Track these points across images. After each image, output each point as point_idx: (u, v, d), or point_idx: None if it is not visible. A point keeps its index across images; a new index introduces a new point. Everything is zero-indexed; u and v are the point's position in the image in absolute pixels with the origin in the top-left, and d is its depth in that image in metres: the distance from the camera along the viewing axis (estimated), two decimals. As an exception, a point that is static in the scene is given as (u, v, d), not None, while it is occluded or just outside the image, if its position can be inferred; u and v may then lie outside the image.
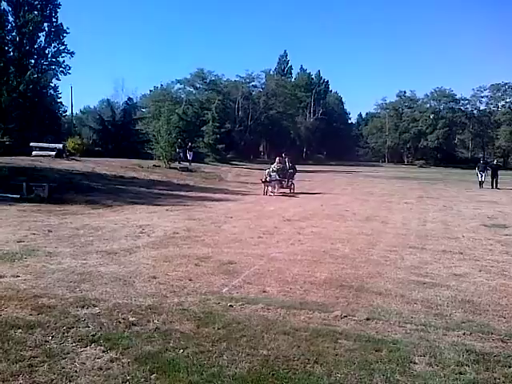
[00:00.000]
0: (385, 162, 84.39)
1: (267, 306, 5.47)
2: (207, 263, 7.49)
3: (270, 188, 20.72)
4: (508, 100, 79.19)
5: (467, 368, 4.05)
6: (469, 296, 6.17)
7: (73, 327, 4.65)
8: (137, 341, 4.36)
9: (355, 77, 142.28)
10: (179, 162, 32.64)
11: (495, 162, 34.72)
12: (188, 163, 33.10)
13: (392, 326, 5.02)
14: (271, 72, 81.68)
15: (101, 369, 3.85)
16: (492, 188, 27.84)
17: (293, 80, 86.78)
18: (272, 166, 22.09)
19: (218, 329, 4.72)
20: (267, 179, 20.81)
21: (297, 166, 24.38)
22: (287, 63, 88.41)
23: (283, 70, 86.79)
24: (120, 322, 4.81)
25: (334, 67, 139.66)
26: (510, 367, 4.08)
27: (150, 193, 19.11)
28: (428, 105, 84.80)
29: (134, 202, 15.75)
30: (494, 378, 3.87)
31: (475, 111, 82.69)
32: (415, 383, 3.76)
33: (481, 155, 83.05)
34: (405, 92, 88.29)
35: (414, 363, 4.13)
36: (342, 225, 12.18)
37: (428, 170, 62.17)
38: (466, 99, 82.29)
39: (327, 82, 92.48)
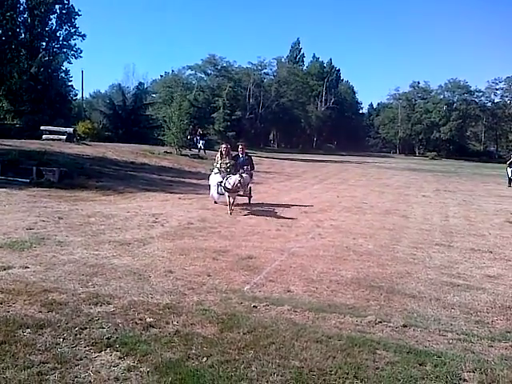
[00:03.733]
0: (396, 153, 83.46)
1: (294, 308, 5.07)
2: (225, 257, 7.10)
3: (230, 199, 11.40)
4: (523, 93, 77.83)
5: (527, 388, 3.63)
6: (508, 301, 5.73)
7: (86, 328, 4.28)
8: (156, 346, 3.97)
9: (367, 66, 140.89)
10: (190, 149, 32.21)
11: None
12: (199, 150, 32.66)
13: (432, 335, 4.59)
14: (283, 60, 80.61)
15: (117, 379, 3.47)
16: None
17: (305, 68, 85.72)
18: (218, 160, 12.52)
19: (244, 334, 4.32)
20: (223, 188, 11.52)
21: (307, 155, 22.88)
22: (299, 51, 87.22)
23: (295, 58, 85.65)
24: (137, 323, 4.43)
25: (346, 56, 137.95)
26: None
27: (162, 180, 18.72)
28: (442, 96, 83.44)
29: (145, 189, 15.38)
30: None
31: (489, 103, 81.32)
32: (469, 406, 3.35)
33: (492, 148, 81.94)
34: (418, 82, 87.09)
35: (464, 380, 3.72)
36: (362, 218, 11.73)
37: (440, 163, 61.21)
38: (480, 91, 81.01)
39: (339, 70, 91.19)
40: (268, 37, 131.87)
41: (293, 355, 3.96)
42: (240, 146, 13.08)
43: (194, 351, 3.94)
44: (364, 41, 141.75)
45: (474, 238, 9.82)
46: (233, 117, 58.97)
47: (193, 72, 71.09)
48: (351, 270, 6.75)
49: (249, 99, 70.26)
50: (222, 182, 11.60)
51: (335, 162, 44.55)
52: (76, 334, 4.14)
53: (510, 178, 24.14)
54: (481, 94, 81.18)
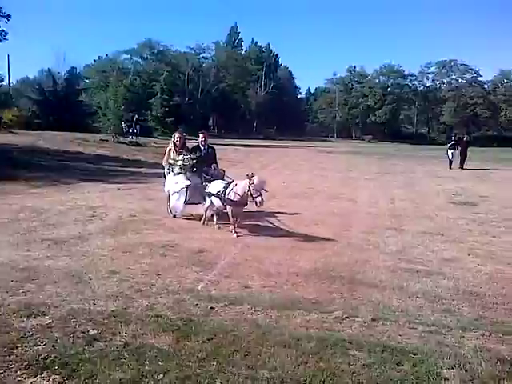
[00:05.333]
0: (334, 136, 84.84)
1: (254, 307, 4.65)
2: (174, 252, 6.56)
3: (208, 212, 8.59)
4: (453, 77, 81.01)
5: (506, 383, 3.42)
6: (470, 286, 5.62)
7: (16, 347, 3.64)
8: (103, 364, 3.42)
9: (305, 51, 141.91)
10: (127, 137, 30.90)
11: (465, 138, 27.21)
12: (136, 137, 31.42)
13: (402, 329, 4.34)
14: (221, 44, 79.39)
15: (58, 412, 2.90)
16: (462, 168, 23.72)
17: (243, 53, 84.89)
18: (173, 155, 9.13)
19: (203, 342, 3.85)
20: (223, 200, 7.99)
21: (248, 140, 22.36)
22: (238, 35, 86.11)
23: (234, 42, 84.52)
24: (78, 338, 3.84)
25: (283, 41, 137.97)
26: (554, 381, 3.49)
27: (99, 169, 17.65)
28: (377, 80, 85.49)
29: (81, 180, 14.37)
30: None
31: (422, 87, 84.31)
32: (457, 410, 3.08)
33: (424, 131, 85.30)
34: (355, 67, 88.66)
35: (445, 379, 3.46)
36: (310, 204, 11.51)
37: (377, 145, 62.88)
38: (413, 75, 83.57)
39: (277, 55, 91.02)
40: (205, 21, 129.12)
41: (261, 364, 3.54)
42: (201, 135, 9.61)
43: (147, 367, 3.43)
44: (301, 25, 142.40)
45: (423, 220, 9.83)
46: (171, 102, 57.43)
47: (128, 56, 68.59)
48: (309, 261, 6.43)
49: (187, 84, 68.68)
50: (220, 191, 7.94)
51: (276, 146, 44.42)
52: (5, 356, 3.51)
53: (450, 161, 24.51)
54: (414, 78, 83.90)
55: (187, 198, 8.68)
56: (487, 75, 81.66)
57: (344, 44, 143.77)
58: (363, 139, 77.93)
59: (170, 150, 9.16)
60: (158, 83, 56.98)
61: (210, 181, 8.70)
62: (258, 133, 74.66)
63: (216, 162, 9.38)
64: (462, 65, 79.12)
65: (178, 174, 8.84)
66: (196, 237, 7.52)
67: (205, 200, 8.57)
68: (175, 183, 8.79)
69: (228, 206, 7.82)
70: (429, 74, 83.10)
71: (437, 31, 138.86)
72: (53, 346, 3.67)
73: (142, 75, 62.33)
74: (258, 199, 7.33)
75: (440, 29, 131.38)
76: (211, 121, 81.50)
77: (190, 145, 9.72)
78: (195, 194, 8.79)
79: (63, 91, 43.40)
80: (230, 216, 7.81)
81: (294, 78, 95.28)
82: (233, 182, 8.02)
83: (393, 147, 53.59)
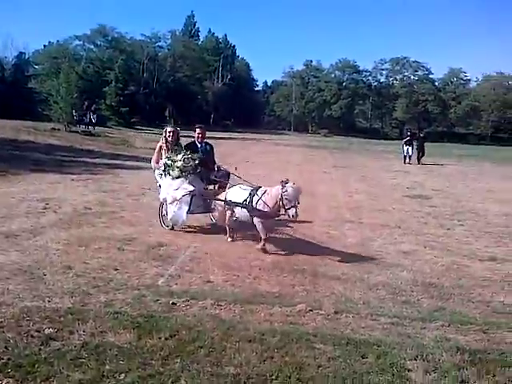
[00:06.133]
0: (290, 130, 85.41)
1: (217, 302, 4.58)
2: (132, 246, 6.38)
3: (262, 232, 6.55)
4: (406, 74, 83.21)
5: (466, 371, 3.51)
6: (428, 278, 5.77)
7: (-36, 349, 3.41)
8: (60, 365, 3.25)
9: (262, 44, 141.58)
10: (80, 126, 29.90)
11: (422, 133, 28.31)
12: (92, 127, 30.47)
13: (365, 321, 4.39)
14: (178, 33, 78.05)
15: (12, 418, 2.73)
16: (419, 164, 24.05)
17: (200, 43, 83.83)
18: (167, 154, 7.56)
19: (166, 339, 3.74)
20: (250, 209, 6.64)
21: (207, 132, 21.87)
22: (194, 25, 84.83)
23: (190, 32, 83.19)
24: (33, 337, 3.64)
25: (241, 33, 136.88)
26: (510, 367, 3.60)
27: (51, 159, 16.92)
28: (333, 75, 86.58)
29: (32, 170, 13.73)
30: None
31: (376, 83, 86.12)
32: (422, 401, 3.12)
33: (377, 126, 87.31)
34: (311, 61, 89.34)
35: (409, 370, 3.51)
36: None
37: (333, 139, 63.74)
38: (368, 71, 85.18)
39: (234, 46, 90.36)
40: (161, 9, 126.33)
41: (226, 360, 3.47)
42: (198, 131, 8.11)
43: (108, 367, 3.28)
44: (258, 18, 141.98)
45: (380, 213, 10.02)
46: (126, 91, 55.82)
47: (80, 42, 66.10)
48: (271, 254, 6.40)
49: (143, 73, 67.09)
50: (246, 199, 6.62)
51: (233, 139, 44.26)
52: (-49, 359, 3.27)
53: (405, 156, 24.89)
54: (368, 73, 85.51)
55: (191, 208, 7.28)
56: (438, 73, 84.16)
57: (301, 38, 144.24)
58: (319, 133, 78.85)
59: (160, 147, 7.77)
60: (113, 71, 55.34)
61: (215, 184, 7.75)
62: (216, 124, 74.10)
63: (214, 161, 8.00)
64: (414, 62, 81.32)
65: (178, 177, 7.22)
66: (155, 230, 7.35)
67: (209, 209, 7.55)
68: (175, 189, 7.18)
69: (256, 219, 6.48)
70: (383, 70, 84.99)
71: (391, 29, 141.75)
72: (5, 347, 3.46)
73: (96, 62, 60.39)
74: (292, 211, 6.10)
75: (394, 27, 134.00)
76: (167, 111, 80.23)
77: (183, 139, 8.32)
78: (200, 202, 7.45)
79: (11, 77, 41.50)
80: (261, 231, 6.45)
81: (251, 70, 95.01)
82: (260, 188, 6.72)
83: (348, 141, 54.49)
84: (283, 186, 6.15)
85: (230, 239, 7.01)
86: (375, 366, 3.53)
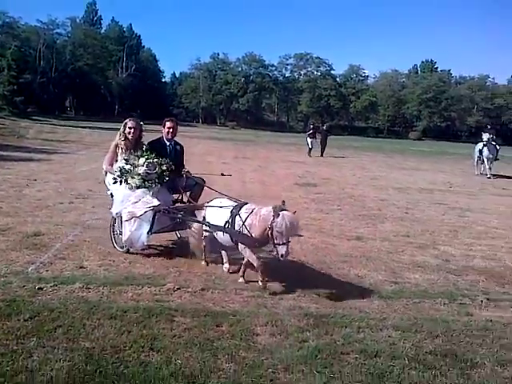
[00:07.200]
0: (199, 122, 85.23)
1: (86, 285, 4.65)
2: (6, 236, 6.21)
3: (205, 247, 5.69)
4: (309, 69, 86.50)
5: (308, 333, 3.94)
6: (296, 256, 6.22)
7: None
8: None
9: (168, 35, 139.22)
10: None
11: (325, 126, 29.27)
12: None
13: (229, 295, 4.72)
14: (78, 20, 74.43)
15: None
16: (322, 156, 24.98)
17: (103, 31, 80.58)
18: (125, 155, 6.04)
19: (25, 320, 3.78)
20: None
21: (110, 123, 21.44)
22: (96, 13, 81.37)
23: (92, 20, 79.73)
24: None
25: (146, 23, 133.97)
26: (346, 327, 4.10)
27: None
28: (240, 68, 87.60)
29: None
30: (335, 341, 3.83)
31: (281, 78, 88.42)
32: (261, 359, 3.48)
33: (284, 119, 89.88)
34: (218, 54, 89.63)
35: (257, 335, 3.88)
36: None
37: (240, 132, 64.65)
38: (273, 65, 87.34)
39: (139, 36, 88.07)
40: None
41: (83, 336, 3.61)
42: (169, 124, 6.56)
43: (-43, 351, 3.28)
44: (165, 10, 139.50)
45: (269, 200, 10.42)
46: (20, 80, 52.44)
47: (-34, 26, 60.90)
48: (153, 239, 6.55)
49: (39, 61, 63.32)
50: (227, 221, 5.15)
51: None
52: None
53: (309, 148, 25.69)
54: (274, 68, 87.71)
55: (154, 227, 5.71)
56: (339, 69, 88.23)
57: (208, 31, 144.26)
58: (227, 126, 79.47)
59: (116, 146, 6.16)
60: (5, 58, 51.64)
61: (185, 192, 6.30)
62: (121, 116, 71.70)
63: (183, 166, 6.47)
64: (316, 58, 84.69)
65: (138, 187, 5.76)
66: (33, 220, 7.17)
67: (178, 228, 6.16)
68: (133, 202, 5.69)
69: (242, 245, 5.03)
70: (287, 65, 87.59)
71: (296, 24, 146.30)
72: None
73: (-15, 48, 55.89)
74: (282, 250, 4.63)
75: (299, 22, 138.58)
76: (68, 102, 76.46)
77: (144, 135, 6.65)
78: (166, 220, 5.84)
79: None
80: (252, 260, 4.94)
81: (157, 61, 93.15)
82: (246, 204, 5.22)
83: (254, 134, 55.61)
84: (275, 215, 4.64)
85: (204, 263, 5.62)
86: (227, 332, 3.86)
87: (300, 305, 4.59)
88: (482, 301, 5.01)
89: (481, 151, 19.59)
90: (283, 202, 4.85)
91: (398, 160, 26.81)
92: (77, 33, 69.46)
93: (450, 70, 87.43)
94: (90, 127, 37.38)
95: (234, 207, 5.18)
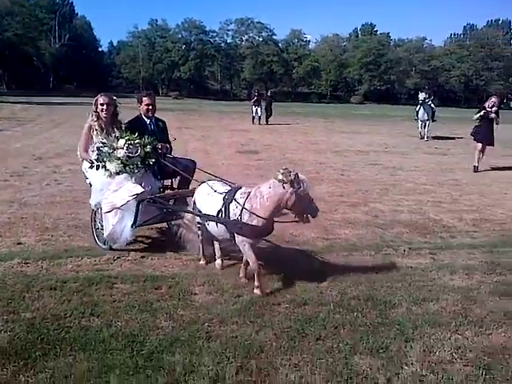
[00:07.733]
0: (140, 93, 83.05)
1: (25, 260, 4.71)
2: None
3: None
4: (251, 35, 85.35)
5: (243, 289, 4.22)
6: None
7: None
8: None
9: (104, 1, 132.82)
10: None
11: (269, 93, 29.87)
12: None
13: (169, 261, 4.92)
14: (2, -13, 69.51)
15: None
16: (267, 124, 24.81)
17: (31, -1, 75.83)
18: (101, 136, 5.23)
19: (-38, 298, 3.83)
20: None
21: (45, 97, 20.51)
22: (22, -22, 76.31)
23: (18, -14, 74.76)
24: None
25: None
26: (279, 281, 4.41)
27: None
28: (180, 35, 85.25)
29: None
30: (267, 294, 4.13)
31: (223, 44, 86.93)
32: (198, 315, 3.72)
33: (227, 87, 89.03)
34: (156, 21, 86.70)
35: (195, 294, 4.12)
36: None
37: (183, 102, 63.46)
38: (214, 31, 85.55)
39: (72, 3, 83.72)
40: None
41: (23, 308, 3.71)
42: (146, 100, 5.74)
43: None
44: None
45: (210, 168, 10.50)
46: None
47: None
48: (89, 212, 6.58)
49: (-39, 32, 59.08)
50: (220, 209, 4.41)
51: (75, 103, 41.76)
52: None
53: (253, 116, 25.53)
54: (215, 34, 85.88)
55: (138, 219, 4.98)
56: (281, 34, 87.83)
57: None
58: (170, 96, 77.85)
59: (90, 127, 5.38)
60: None
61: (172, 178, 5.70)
62: (57, 89, 68.76)
63: (170, 143, 5.78)
64: (258, 23, 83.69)
65: (118, 173, 5.03)
66: (-34, 200, 7.01)
67: (166, 219, 5.54)
68: (114, 191, 4.97)
69: (240, 238, 4.27)
70: (229, 31, 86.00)
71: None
72: None
73: None
74: (314, 206, 4.27)
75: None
76: (-2, 75, 72.11)
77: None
78: (153, 210, 5.14)
79: None
80: (249, 257, 4.27)
81: (93, 29, 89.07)
82: (240, 189, 4.58)
83: (197, 103, 54.85)
84: (290, 182, 4.09)
85: (203, 261, 4.91)
86: (166, 294, 4.08)
87: (237, 264, 4.85)
88: (404, 250, 5.48)
89: (417, 112, 20.09)
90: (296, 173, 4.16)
91: (339, 124, 27.42)
92: (2, 1, 64.99)
93: (388, 33, 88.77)
94: (23, 102, 35.65)
95: (227, 193, 4.49)
